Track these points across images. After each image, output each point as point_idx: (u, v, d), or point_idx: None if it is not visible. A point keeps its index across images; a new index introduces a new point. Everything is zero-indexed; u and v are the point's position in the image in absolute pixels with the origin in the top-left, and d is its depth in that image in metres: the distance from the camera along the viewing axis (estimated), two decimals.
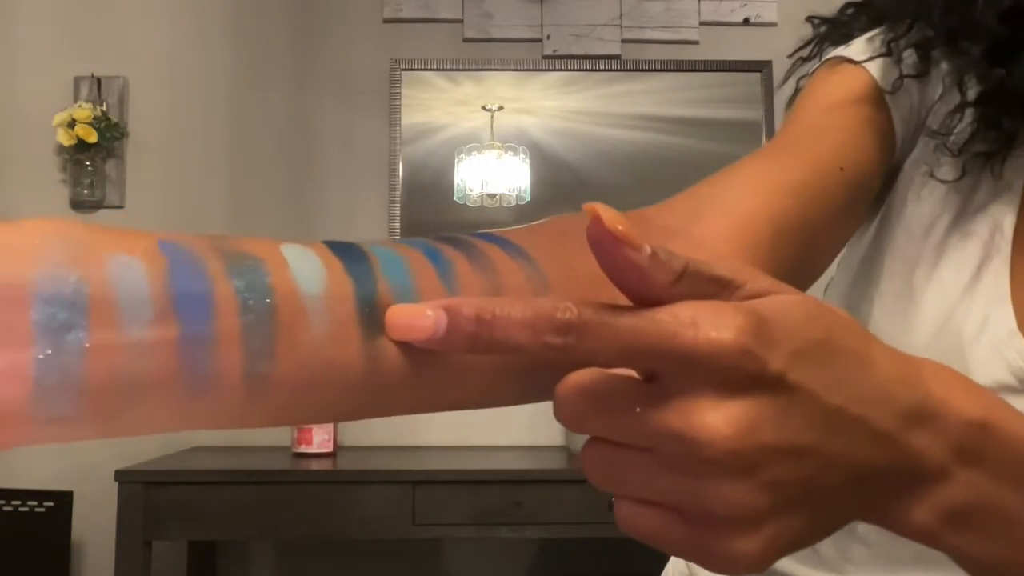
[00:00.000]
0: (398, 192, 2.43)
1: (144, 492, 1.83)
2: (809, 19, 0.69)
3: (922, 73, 0.59)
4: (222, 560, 2.37)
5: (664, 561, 0.73)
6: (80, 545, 2.27)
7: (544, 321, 0.29)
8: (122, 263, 0.28)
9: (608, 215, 0.29)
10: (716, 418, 0.29)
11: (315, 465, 2.03)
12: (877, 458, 0.32)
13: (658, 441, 0.30)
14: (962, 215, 0.58)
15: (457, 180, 2.46)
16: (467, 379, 0.35)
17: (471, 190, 2.47)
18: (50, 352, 0.26)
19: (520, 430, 2.33)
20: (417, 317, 0.31)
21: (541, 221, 0.44)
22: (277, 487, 1.90)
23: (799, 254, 0.52)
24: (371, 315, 0.32)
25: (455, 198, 2.46)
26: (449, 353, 0.33)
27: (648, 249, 0.30)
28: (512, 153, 2.47)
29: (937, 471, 0.33)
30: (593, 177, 2.46)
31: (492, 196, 2.47)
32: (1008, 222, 0.56)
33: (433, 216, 2.46)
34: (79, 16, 2.45)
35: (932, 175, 0.59)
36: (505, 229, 0.40)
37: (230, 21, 2.48)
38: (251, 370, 0.29)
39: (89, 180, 2.37)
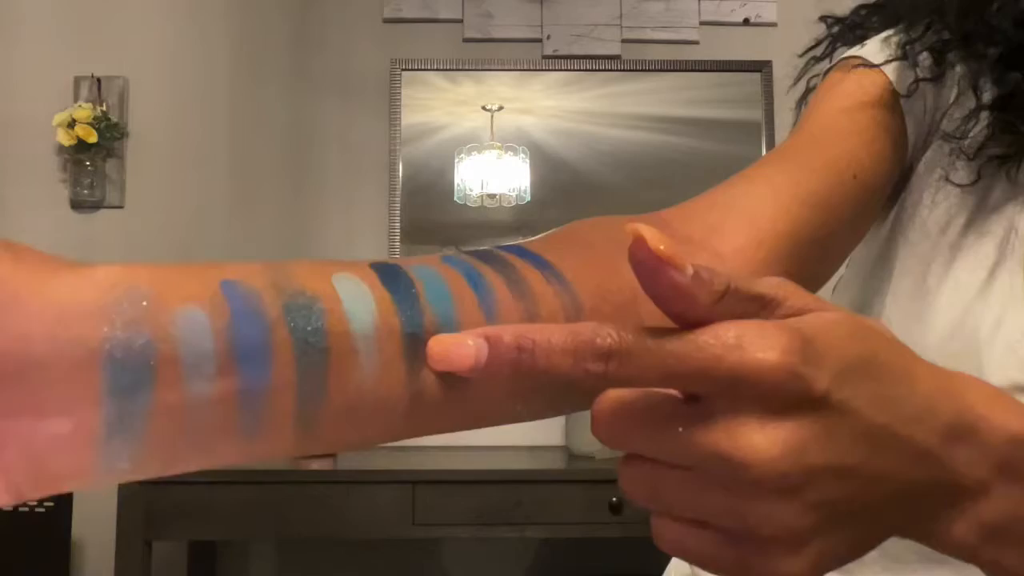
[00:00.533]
0: (398, 192, 2.43)
1: (144, 492, 1.83)
2: (822, 19, 0.69)
3: (937, 76, 0.59)
4: (222, 560, 2.37)
5: (665, 562, 0.73)
6: (80, 545, 2.27)
7: (585, 348, 0.29)
8: (188, 317, 0.28)
9: (651, 235, 0.29)
10: (763, 440, 0.29)
11: (315, 465, 2.02)
12: (920, 475, 0.32)
13: (702, 461, 0.30)
14: (977, 216, 0.58)
15: (457, 180, 2.46)
16: (504, 400, 0.36)
17: (471, 190, 2.47)
18: (117, 415, 0.27)
19: (520, 430, 2.33)
20: (459, 347, 0.31)
21: (565, 230, 0.44)
22: (277, 487, 1.90)
23: (815, 264, 0.53)
24: (416, 348, 0.32)
25: (455, 198, 2.46)
26: (487, 379, 0.33)
27: (691, 269, 0.30)
28: (512, 153, 2.47)
29: (978, 487, 0.33)
30: (593, 177, 2.46)
31: (492, 196, 2.47)
32: (1022, 223, 0.56)
33: (433, 216, 2.46)
34: (79, 16, 2.45)
35: (947, 179, 0.59)
36: (537, 241, 0.41)
37: (230, 21, 2.48)
38: (302, 414, 0.30)
39: (89, 180, 2.37)
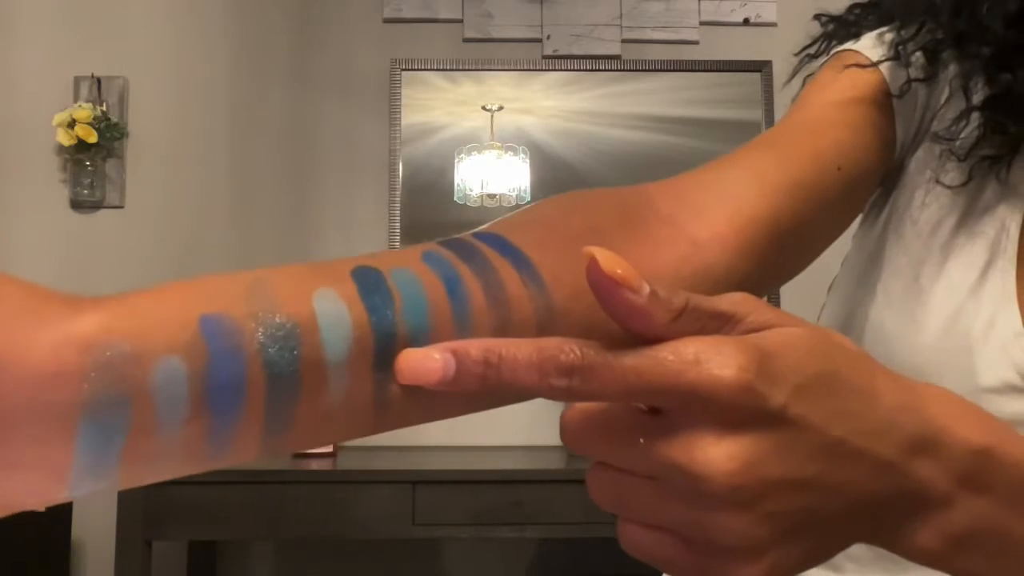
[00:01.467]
0: (398, 192, 2.43)
1: (144, 492, 1.82)
2: (817, 17, 0.69)
3: (930, 76, 0.59)
4: (222, 560, 2.37)
5: None
6: (80, 545, 2.27)
7: (549, 363, 0.30)
8: (165, 371, 0.29)
9: (604, 258, 0.30)
10: (718, 453, 0.30)
11: (315, 465, 2.02)
12: (880, 487, 0.33)
13: (662, 471, 0.31)
14: (968, 216, 0.58)
15: (457, 180, 2.46)
16: (467, 402, 0.36)
17: (471, 190, 2.47)
18: (88, 467, 0.28)
19: (520, 430, 2.33)
20: (426, 361, 0.32)
21: (545, 213, 0.44)
22: (277, 487, 1.90)
23: (793, 254, 0.53)
24: (386, 361, 0.33)
25: (455, 198, 2.46)
26: (454, 392, 0.34)
27: (647, 289, 0.31)
28: (512, 153, 2.47)
29: (941, 498, 0.34)
30: (593, 177, 2.46)
31: (492, 196, 2.47)
32: (1014, 224, 0.56)
33: (433, 216, 2.46)
34: (79, 16, 2.45)
35: (938, 181, 0.59)
36: (519, 225, 0.41)
37: (230, 21, 2.48)
38: (266, 440, 0.31)
39: (89, 180, 2.37)
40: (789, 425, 0.31)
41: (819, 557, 0.33)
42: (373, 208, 2.43)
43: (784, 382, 0.31)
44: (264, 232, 2.42)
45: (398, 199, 2.43)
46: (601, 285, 0.30)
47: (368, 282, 0.34)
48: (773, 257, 0.50)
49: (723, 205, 0.49)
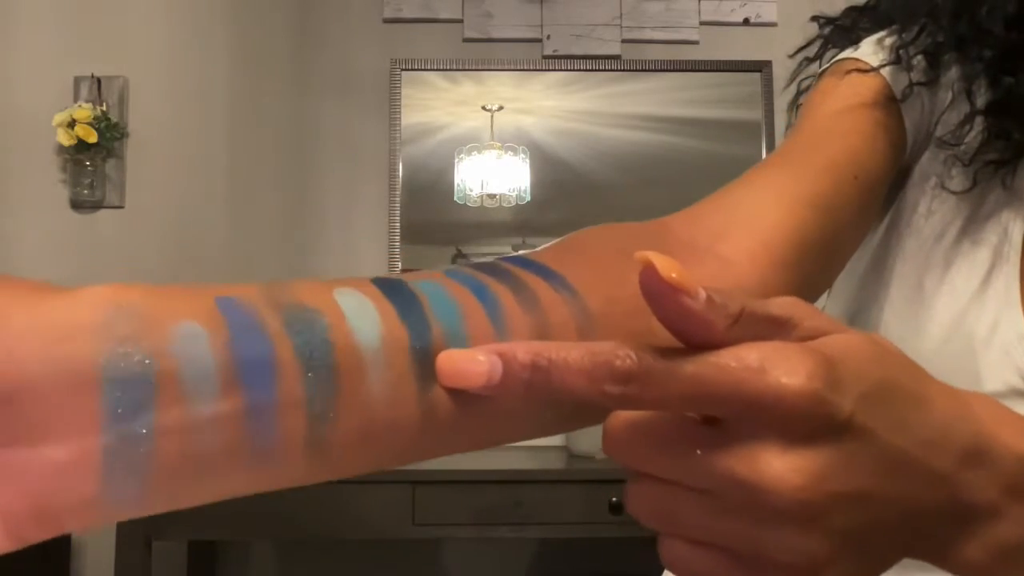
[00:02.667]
0: (398, 192, 2.43)
1: None
2: (814, 19, 0.69)
3: (932, 80, 0.59)
4: (222, 560, 2.37)
5: None
6: (80, 545, 2.27)
7: (602, 369, 0.28)
8: (186, 333, 0.26)
9: (662, 263, 0.28)
10: (784, 467, 0.29)
11: None
12: (933, 498, 0.32)
13: (720, 486, 0.30)
14: (972, 222, 0.58)
15: (457, 180, 2.46)
16: (514, 418, 0.35)
17: (471, 190, 2.47)
18: (118, 439, 0.25)
19: None
20: (471, 363, 0.30)
21: (568, 240, 0.43)
22: None
23: (819, 269, 0.53)
24: (426, 364, 0.31)
25: (455, 198, 2.46)
26: (500, 397, 0.32)
27: (703, 294, 0.29)
28: (512, 153, 2.47)
29: (989, 509, 0.33)
30: (593, 177, 2.46)
31: (492, 196, 2.47)
32: (1016, 229, 0.56)
33: (433, 216, 2.46)
34: (79, 16, 2.45)
35: (943, 186, 0.59)
36: (541, 252, 0.40)
37: (230, 21, 2.48)
38: (312, 435, 0.29)
39: (89, 180, 2.37)
40: (854, 435, 0.29)
41: (872, 573, 0.32)
42: (373, 208, 2.43)
43: (850, 390, 0.29)
44: (264, 232, 2.42)
45: (398, 199, 2.43)
46: (657, 290, 0.28)
47: (389, 285, 0.32)
48: (803, 272, 0.49)
49: (744, 227, 0.49)
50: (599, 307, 0.37)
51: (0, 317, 0.24)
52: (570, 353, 0.29)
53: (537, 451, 2.26)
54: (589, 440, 2.08)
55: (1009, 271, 0.56)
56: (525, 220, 2.46)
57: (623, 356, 0.28)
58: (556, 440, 2.32)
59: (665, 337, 0.30)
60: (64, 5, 2.45)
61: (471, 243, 2.47)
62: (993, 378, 0.53)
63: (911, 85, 0.59)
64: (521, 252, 0.40)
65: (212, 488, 0.28)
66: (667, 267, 0.28)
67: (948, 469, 0.31)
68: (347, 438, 0.30)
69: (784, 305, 0.31)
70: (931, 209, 0.60)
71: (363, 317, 0.30)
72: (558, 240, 0.43)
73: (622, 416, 0.31)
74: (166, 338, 0.26)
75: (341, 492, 1.89)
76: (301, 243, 2.42)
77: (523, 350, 0.29)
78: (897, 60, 0.59)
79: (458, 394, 0.32)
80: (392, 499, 1.88)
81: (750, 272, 0.46)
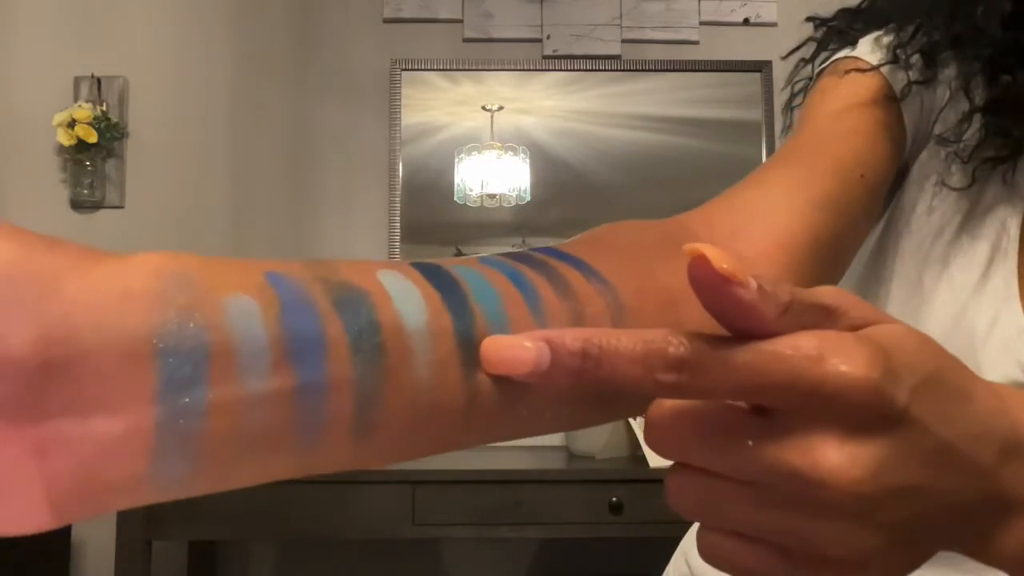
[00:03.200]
0: (398, 192, 2.43)
1: None
2: (809, 19, 0.69)
3: (929, 79, 0.59)
4: (222, 560, 2.37)
5: (665, 562, 0.73)
6: (80, 545, 2.27)
7: (655, 357, 0.28)
8: (239, 306, 0.26)
9: (713, 254, 0.27)
10: (843, 459, 0.28)
11: None
12: (974, 492, 0.31)
13: (772, 478, 0.29)
14: (970, 218, 0.58)
15: (457, 180, 2.46)
16: (556, 407, 0.34)
17: (471, 190, 2.47)
18: (172, 413, 0.24)
19: None
20: (517, 349, 0.29)
21: (591, 234, 0.43)
22: (277, 487, 1.90)
23: (831, 267, 0.53)
24: (469, 349, 0.31)
25: (455, 198, 2.46)
26: (546, 386, 0.31)
27: (755, 284, 0.28)
28: (512, 153, 2.47)
29: None
30: (593, 177, 2.46)
31: (492, 196, 2.47)
32: (1014, 224, 0.57)
33: (433, 216, 2.46)
34: (79, 16, 2.45)
35: (943, 183, 0.59)
36: (569, 244, 0.39)
37: (230, 21, 2.48)
38: (359, 417, 0.28)
39: (89, 180, 2.37)
40: (908, 427, 0.29)
41: (913, 566, 0.32)
42: (373, 208, 2.43)
43: (905, 381, 0.29)
44: (264, 232, 2.42)
45: (398, 199, 2.43)
46: (708, 281, 0.27)
47: (431, 270, 0.32)
48: (815, 271, 0.50)
49: (760, 225, 0.49)
50: (631, 299, 0.37)
51: (52, 283, 0.23)
52: (621, 340, 0.28)
53: (537, 451, 2.27)
54: (589, 440, 2.08)
55: (1007, 266, 0.56)
56: (525, 220, 2.46)
57: (676, 343, 0.28)
58: (556, 440, 2.32)
59: (697, 329, 0.29)
60: (64, 5, 2.45)
61: (471, 243, 2.47)
62: (993, 372, 0.53)
63: (909, 84, 0.59)
64: (549, 245, 0.39)
65: (256, 470, 0.27)
66: (719, 257, 0.27)
67: (989, 463, 0.31)
68: (393, 421, 0.29)
69: (830, 294, 0.31)
70: (931, 207, 0.60)
71: (408, 299, 0.30)
72: (581, 235, 0.42)
73: (666, 405, 0.30)
74: (220, 310, 0.25)
75: (341, 492, 1.89)
76: (301, 243, 2.42)
77: (572, 336, 0.29)
78: (895, 59, 0.60)
79: (501, 381, 0.31)
80: (392, 499, 1.88)
81: (768, 271, 0.46)
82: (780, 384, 0.28)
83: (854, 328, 0.30)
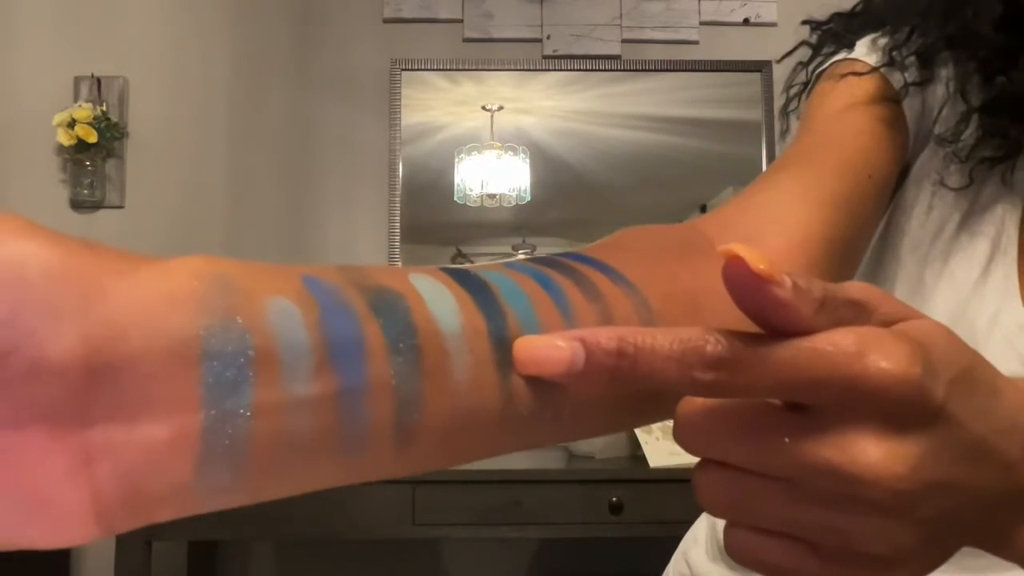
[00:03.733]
0: (398, 192, 2.43)
1: None
2: (805, 22, 0.69)
3: (926, 80, 0.60)
4: (222, 560, 2.37)
5: (665, 562, 0.73)
6: (80, 545, 2.27)
7: (693, 355, 0.27)
8: (281, 309, 0.25)
9: (749, 254, 0.27)
10: (882, 455, 0.28)
11: None
12: (1001, 486, 0.31)
13: (809, 474, 0.28)
14: (969, 216, 0.59)
15: (457, 180, 2.46)
16: (594, 409, 0.34)
17: (471, 190, 2.47)
18: (217, 417, 0.24)
19: None
20: (551, 349, 0.29)
21: (613, 239, 0.43)
22: None
23: (845, 267, 0.54)
24: (504, 350, 0.30)
25: (455, 198, 2.46)
26: (581, 386, 0.31)
27: (789, 282, 0.28)
28: (512, 153, 2.47)
29: None
30: (593, 177, 2.46)
31: (492, 196, 2.47)
32: (1012, 221, 0.57)
33: (433, 216, 2.46)
34: (79, 16, 2.45)
35: (942, 183, 0.59)
36: (591, 249, 0.39)
37: (230, 21, 2.48)
38: (400, 422, 0.28)
39: (89, 180, 2.37)
40: (944, 422, 0.29)
41: (940, 562, 0.32)
42: (373, 208, 2.43)
43: (941, 377, 0.29)
44: (264, 232, 2.42)
45: (398, 199, 2.43)
46: (745, 281, 0.27)
47: (459, 274, 0.32)
48: (831, 272, 0.50)
49: (775, 227, 0.49)
50: (657, 302, 0.37)
51: (97, 286, 0.23)
52: (656, 338, 0.28)
53: (537, 451, 2.27)
54: (589, 440, 2.08)
55: (1007, 262, 0.56)
56: (525, 220, 2.46)
57: (714, 341, 0.28)
58: None
59: (754, 332, 0.29)
60: (64, 5, 2.45)
61: (471, 243, 2.47)
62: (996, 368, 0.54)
63: (906, 85, 0.59)
64: (570, 250, 0.39)
65: (299, 478, 0.27)
66: (755, 257, 0.27)
67: (1016, 457, 0.31)
68: (433, 424, 0.29)
69: (860, 289, 0.30)
70: (930, 205, 0.60)
71: (442, 302, 0.30)
72: (600, 240, 0.42)
73: (698, 402, 0.30)
74: (261, 313, 0.25)
75: (341, 492, 1.89)
76: (301, 243, 2.42)
77: (607, 335, 0.28)
78: (891, 62, 0.60)
79: (537, 384, 0.31)
80: (392, 499, 1.88)
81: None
82: (819, 380, 0.28)
83: (886, 323, 0.30)
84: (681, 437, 0.30)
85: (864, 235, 0.57)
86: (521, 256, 0.42)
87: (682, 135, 2.49)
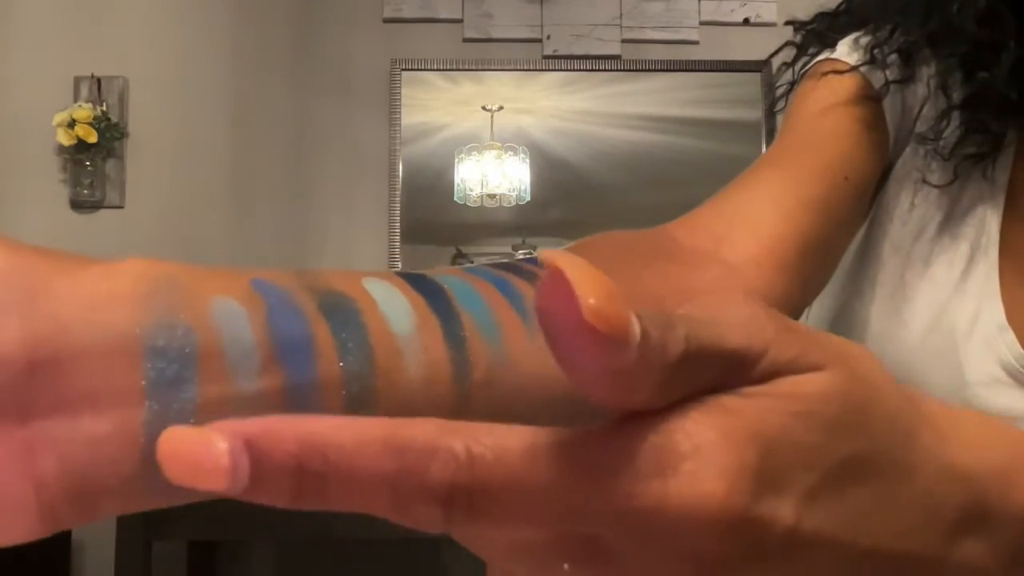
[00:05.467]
0: (398, 192, 2.43)
1: None
2: (788, 23, 0.69)
3: (907, 77, 0.60)
4: (222, 560, 2.37)
5: None
6: (80, 545, 2.27)
7: (410, 480, 0.19)
8: (225, 308, 0.26)
9: (578, 276, 0.18)
10: None
11: None
12: None
13: None
14: (951, 216, 0.59)
15: (457, 180, 2.46)
16: (554, 410, 0.31)
17: (471, 190, 2.47)
18: (160, 412, 0.24)
19: None
20: (204, 446, 0.19)
21: (577, 245, 0.43)
22: None
23: (820, 270, 0.54)
24: (459, 352, 0.30)
25: (455, 198, 2.46)
26: (541, 387, 0.28)
27: (638, 333, 0.19)
28: (512, 153, 2.47)
29: None
30: (593, 177, 2.46)
31: (492, 196, 2.47)
32: (993, 221, 0.57)
33: (433, 216, 2.46)
34: (79, 16, 2.45)
35: (924, 180, 0.59)
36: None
37: (230, 21, 2.48)
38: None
39: (89, 180, 2.37)
40: (800, 550, 0.21)
41: None
42: (373, 208, 2.43)
43: (794, 487, 0.21)
44: (264, 232, 2.42)
45: (398, 199, 2.43)
46: (566, 325, 0.18)
47: (413, 278, 0.32)
48: (804, 275, 0.50)
49: (746, 230, 0.49)
50: None
51: (43, 284, 0.23)
52: (361, 447, 0.19)
53: None
54: None
55: (987, 263, 0.57)
56: (525, 220, 2.46)
57: (445, 457, 0.19)
58: None
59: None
60: (64, 5, 2.45)
61: (471, 243, 2.47)
62: (975, 369, 0.54)
63: (887, 84, 0.60)
64: (533, 255, 0.40)
65: None
66: (583, 280, 0.18)
67: (936, 550, 0.24)
68: None
69: (744, 334, 0.22)
70: (913, 204, 0.61)
71: (394, 304, 0.29)
72: (569, 245, 0.42)
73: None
74: (206, 312, 0.25)
75: None
76: (301, 243, 2.42)
77: (288, 439, 0.19)
78: (872, 60, 0.60)
79: (494, 381, 0.30)
80: None
81: (756, 276, 0.47)
82: (602, 515, 0.20)
83: (771, 375, 0.22)
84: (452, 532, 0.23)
85: (841, 237, 0.57)
86: (520, 256, 0.42)
87: (682, 135, 2.49)
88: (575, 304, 0.18)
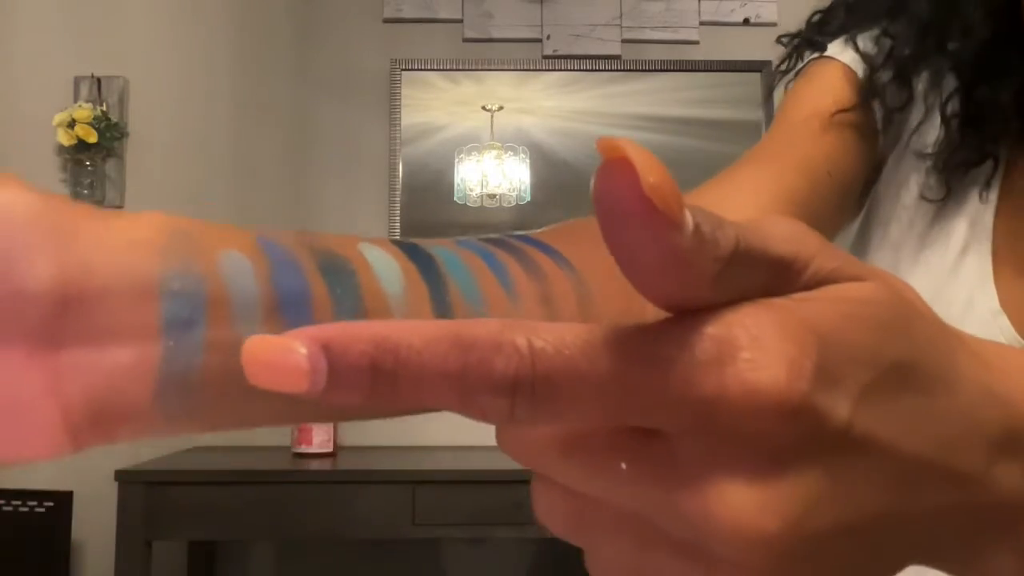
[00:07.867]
0: (398, 192, 2.43)
1: (144, 492, 1.83)
2: (780, 39, 0.70)
3: (898, 75, 0.60)
4: (222, 560, 2.37)
5: None
6: (80, 545, 2.27)
7: (476, 374, 0.19)
8: (233, 260, 0.29)
9: (643, 162, 0.18)
10: (747, 505, 0.20)
11: (315, 465, 2.02)
12: (957, 503, 0.24)
13: (655, 513, 0.21)
14: (946, 203, 0.60)
15: (457, 180, 2.46)
16: None
17: (471, 190, 2.47)
18: (174, 348, 0.27)
19: None
20: (285, 353, 0.19)
21: (565, 225, 0.44)
22: (277, 487, 1.90)
23: None
24: (445, 315, 0.32)
25: (455, 198, 2.46)
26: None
27: (691, 223, 0.19)
28: (512, 153, 2.47)
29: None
30: None
31: (492, 196, 2.47)
32: (987, 210, 0.58)
33: (433, 216, 2.46)
34: (79, 16, 2.45)
35: (922, 196, 0.60)
36: (540, 232, 0.42)
37: (231, 21, 2.48)
38: None
39: (89, 180, 2.37)
40: (852, 449, 0.21)
41: None
42: (373, 208, 2.43)
43: (849, 384, 0.21)
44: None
45: (398, 199, 2.43)
46: (625, 204, 0.18)
47: (406, 246, 0.34)
48: None
49: None
50: (597, 283, 0.38)
51: (72, 229, 0.26)
52: (429, 344, 0.19)
53: None
54: None
55: (982, 249, 0.57)
56: (525, 220, 2.46)
57: (508, 352, 0.19)
58: None
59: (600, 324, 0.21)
60: (64, 5, 2.45)
61: None
62: None
63: (876, 84, 0.60)
64: (519, 232, 0.41)
65: (249, 413, 0.30)
66: (644, 160, 0.18)
67: (976, 468, 0.24)
68: None
69: (788, 240, 0.22)
70: (907, 192, 0.61)
71: (387, 269, 0.32)
72: (554, 225, 0.44)
73: None
74: (215, 262, 0.28)
75: (341, 492, 1.89)
76: None
77: (359, 338, 0.20)
78: (861, 58, 0.61)
79: None
80: (392, 499, 1.88)
81: None
82: (660, 404, 0.20)
83: (817, 284, 0.22)
84: (501, 441, 0.23)
85: (824, 231, 0.57)
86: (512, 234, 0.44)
87: (682, 135, 2.49)
88: (636, 180, 0.18)
